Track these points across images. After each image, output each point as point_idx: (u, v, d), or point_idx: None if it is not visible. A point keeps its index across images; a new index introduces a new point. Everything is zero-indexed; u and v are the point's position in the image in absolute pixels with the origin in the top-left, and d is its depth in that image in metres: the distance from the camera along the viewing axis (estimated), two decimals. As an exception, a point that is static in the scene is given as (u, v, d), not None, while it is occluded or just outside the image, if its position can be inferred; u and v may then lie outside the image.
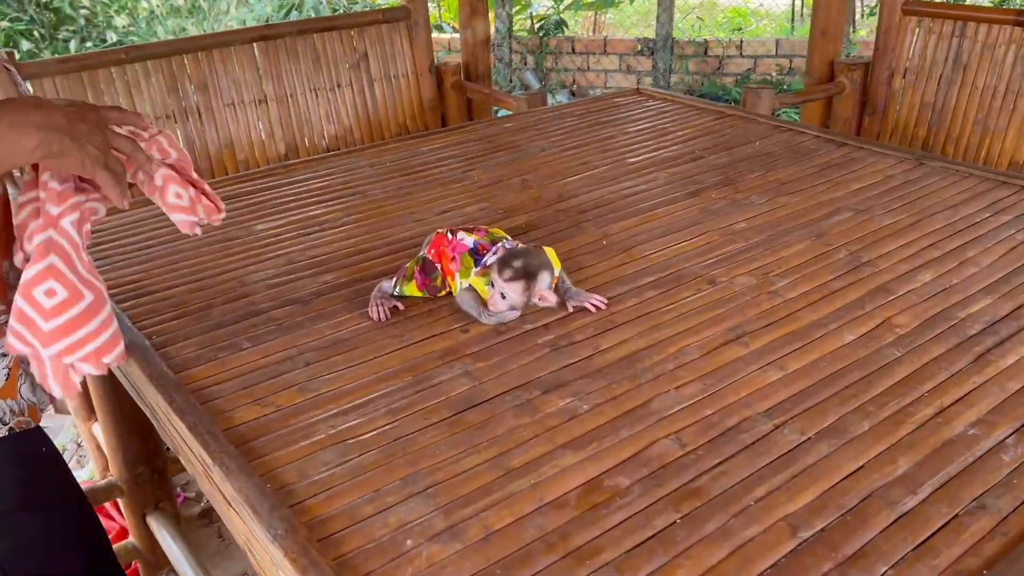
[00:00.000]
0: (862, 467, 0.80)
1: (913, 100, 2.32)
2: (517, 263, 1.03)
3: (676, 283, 1.15)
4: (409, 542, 0.73)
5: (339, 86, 2.46)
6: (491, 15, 5.62)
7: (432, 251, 1.11)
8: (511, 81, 5.60)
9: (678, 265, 1.20)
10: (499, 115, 2.70)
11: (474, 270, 1.07)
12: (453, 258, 1.09)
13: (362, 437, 0.86)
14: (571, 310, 1.08)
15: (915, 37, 2.30)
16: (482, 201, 1.46)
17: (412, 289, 1.11)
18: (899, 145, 2.34)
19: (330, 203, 1.47)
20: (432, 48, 2.59)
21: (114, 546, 1.42)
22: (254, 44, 2.32)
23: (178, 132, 2.21)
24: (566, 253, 1.25)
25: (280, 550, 0.71)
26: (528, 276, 1.03)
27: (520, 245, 1.09)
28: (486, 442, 0.85)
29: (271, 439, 0.86)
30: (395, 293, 1.11)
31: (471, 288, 1.07)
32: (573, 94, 5.61)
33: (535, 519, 0.75)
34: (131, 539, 1.64)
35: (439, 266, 1.10)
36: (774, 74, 4.94)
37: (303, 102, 2.40)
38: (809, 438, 0.84)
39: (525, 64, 5.64)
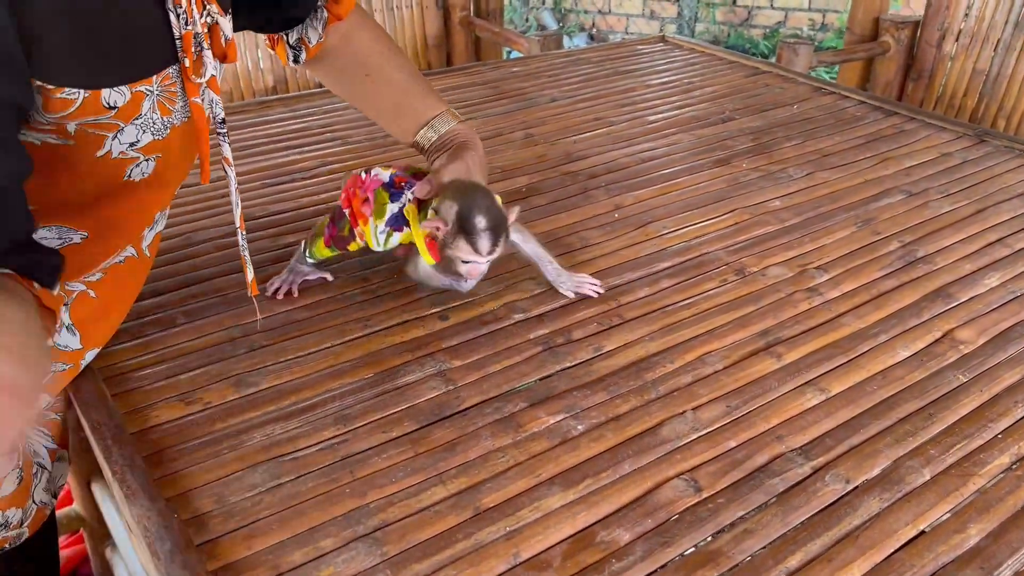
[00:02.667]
0: (923, 533, 0.64)
1: (965, 66, 2.10)
2: (483, 222, 0.78)
3: (698, 271, 0.98)
4: (343, 608, 0.57)
5: (336, 15, 2.25)
6: (511, -51, 5.33)
7: (343, 196, 0.89)
8: (527, 21, 5.34)
9: (700, 249, 1.03)
10: (511, 57, 2.50)
11: (392, 207, 0.84)
12: (366, 199, 0.85)
13: (303, 453, 0.70)
14: (572, 297, 0.91)
15: (974, -5, 2.07)
16: (479, 157, 1.27)
17: (320, 248, 0.90)
18: (945, 115, 2.14)
19: (304, 149, 1.29)
20: (441, -22, 2.37)
21: (58, 512, 1.29)
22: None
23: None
24: (572, 226, 1.08)
25: (174, 612, 0.55)
26: (497, 236, 0.80)
27: (451, 179, 0.85)
28: (454, 469, 0.69)
29: (191, 448, 0.70)
30: (307, 257, 0.91)
31: (417, 254, 0.85)
32: (592, 38, 5.35)
33: (506, 584, 0.59)
34: (75, 506, 1.49)
35: (347, 212, 0.87)
36: (805, 28, 4.67)
37: (296, 31, 2.19)
38: (856, 487, 0.68)
39: (543, 3, 5.37)
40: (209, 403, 0.75)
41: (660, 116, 1.45)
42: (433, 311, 0.89)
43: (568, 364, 0.82)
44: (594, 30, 5.28)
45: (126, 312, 0.83)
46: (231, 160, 0.79)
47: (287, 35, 0.91)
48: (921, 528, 0.64)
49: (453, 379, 0.79)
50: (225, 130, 0.77)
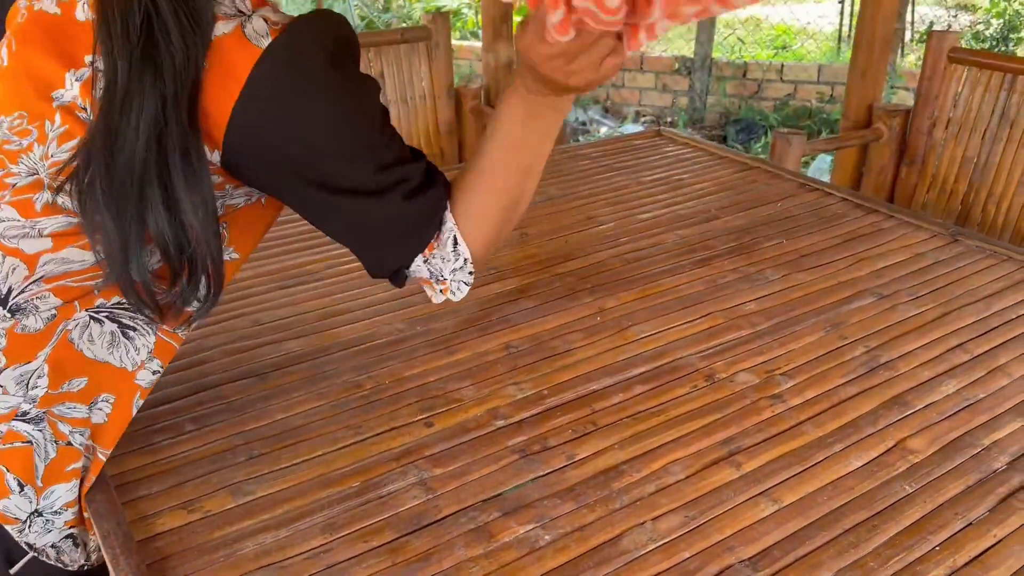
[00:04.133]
0: (855, 646, 0.69)
1: (955, 153, 2.18)
2: None
3: (670, 376, 1.05)
4: None
5: (352, 106, 2.37)
6: (527, 26, 5.52)
7: None
8: (544, 94, 5.48)
9: (674, 353, 1.10)
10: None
11: None
12: None
13: (289, 562, 0.77)
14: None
15: (961, 87, 2.16)
16: (474, 259, 1.36)
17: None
18: (937, 200, 2.21)
19: (313, 251, 1.38)
20: (452, 71, 2.50)
21: None
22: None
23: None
24: (556, 330, 1.15)
25: None
26: None
27: None
28: (428, 579, 0.75)
29: (189, 554, 0.77)
30: None
31: None
32: (607, 110, 5.50)
33: None
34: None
35: None
36: (814, 101, 4.78)
37: (313, 122, 2.32)
38: (797, 599, 0.74)
39: (559, 77, 5.53)
40: (209, 511, 0.83)
41: (649, 215, 1.54)
42: (420, 417, 0.96)
43: (542, 472, 0.88)
44: (608, 102, 5.43)
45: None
46: None
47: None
48: (854, 641, 0.70)
49: (433, 488, 0.86)
50: None
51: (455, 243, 0.89)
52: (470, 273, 0.92)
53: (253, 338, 1.13)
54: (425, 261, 0.89)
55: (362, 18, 5.08)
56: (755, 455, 0.91)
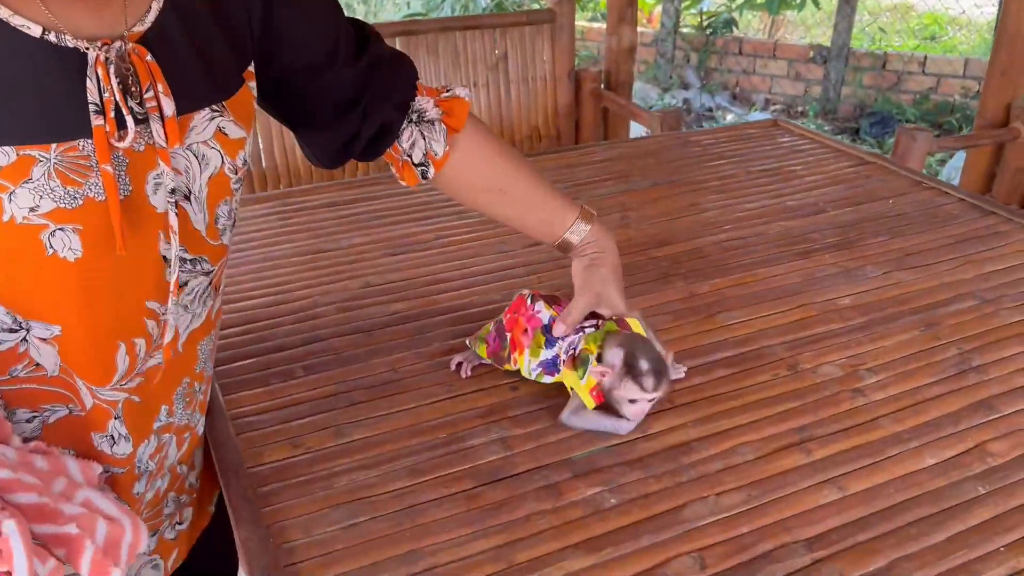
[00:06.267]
0: (900, 631, 0.72)
1: (1098, 157, 2.06)
2: (646, 364, 0.89)
3: (753, 363, 1.07)
4: (389, 630, 0.71)
5: (475, 85, 2.46)
6: (658, 9, 5.48)
7: (508, 315, 1.02)
8: (671, 78, 5.45)
9: (760, 341, 1.12)
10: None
11: (547, 353, 0.96)
12: (525, 330, 0.99)
13: (376, 498, 0.85)
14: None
15: (1110, 87, 2.03)
16: (574, 238, 1.41)
17: (483, 351, 1.03)
18: (1073, 206, 2.10)
19: (424, 222, 1.47)
20: (574, 54, 2.55)
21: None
22: (396, 38, 2.34)
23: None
24: (644, 311, 1.19)
25: (260, 617, 0.71)
26: (661, 375, 0.90)
27: (601, 323, 0.97)
28: (499, 526, 0.82)
29: (291, 485, 0.87)
30: (474, 351, 1.04)
31: (578, 403, 0.94)
32: (735, 97, 5.40)
33: (522, 628, 0.72)
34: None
35: (509, 335, 1.00)
36: (956, 96, 4.54)
37: (437, 99, 2.42)
38: (848, 582, 0.76)
39: (687, 62, 5.47)
40: (311, 448, 0.92)
41: (754, 204, 1.54)
42: (505, 381, 1.03)
43: (615, 442, 0.93)
44: (737, 89, 5.33)
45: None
46: (175, 228, 0.71)
47: (411, 156, 0.96)
48: (900, 625, 0.72)
49: (512, 446, 0.93)
50: (174, 200, 0.70)
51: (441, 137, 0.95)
52: (423, 176, 0.97)
53: (363, 299, 1.22)
54: (410, 122, 0.95)
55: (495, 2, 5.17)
56: (827, 444, 0.93)
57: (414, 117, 0.95)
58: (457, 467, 0.89)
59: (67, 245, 0.65)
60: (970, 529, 0.82)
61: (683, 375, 1.03)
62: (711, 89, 5.33)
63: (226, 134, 0.74)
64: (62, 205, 0.63)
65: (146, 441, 0.79)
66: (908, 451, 0.92)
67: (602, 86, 2.58)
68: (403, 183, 0.98)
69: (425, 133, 0.95)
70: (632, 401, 0.90)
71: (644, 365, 0.89)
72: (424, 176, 0.97)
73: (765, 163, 1.75)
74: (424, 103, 0.96)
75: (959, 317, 1.17)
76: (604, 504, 0.85)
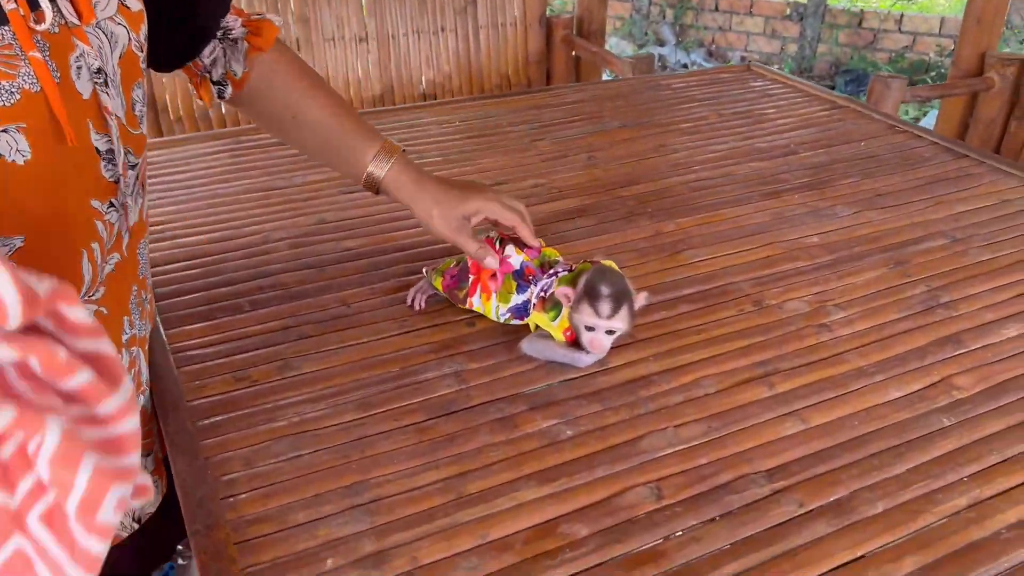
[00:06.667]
0: (859, 559, 0.69)
1: (1071, 107, 2.04)
2: (607, 289, 0.85)
3: (718, 299, 1.04)
4: (330, 562, 0.68)
5: (443, 30, 2.39)
6: (635, -37, 5.38)
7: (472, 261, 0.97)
8: (646, 34, 5.38)
9: (726, 278, 1.09)
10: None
11: (518, 298, 0.93)
12: (494, 275, 0.95)
13: (323, 431, 0.81)
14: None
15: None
16: (538, 176, 1.37)
17: (438, 283, 0.99)
18: (1045, 156, 2.09)
19: (383, 160, 1.41)
20: (545, -1, 2.48)
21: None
22: (361, -21, 2.27)
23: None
24: (608, 248, 1.16)
25: (193, 547, 0.67)
26: (620, 304, 0.86)
27: (576, 266, 0.93)
28: (450, 457, 0.79)
29: (233, 418, 0.83)
30: (430, 282, 1.01)
31: (541, 332, 0.92)
32: (711, 54, 5.35)
33: (469, 558, 0.69)
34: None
35: (472, 277, 0.96)
36: (931, 55, 4.52)
37: (404, 44, 2.35)
38: (808, 512, 0.74)
39: (663, 17, 5.40)
40: (256, 381, 0.88)
41: (724, 146, 1.51)
42: (461, 318, 0.99)
43: (573, 375, 0.90)
44: (713, 46, 5.27)
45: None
46: (110, 109, 0.67)
47: (210, 73, 0.91)
48: (859, 554, 0.70)
49: (466, 379, 0.89)
50: (103, 79, 0.66)
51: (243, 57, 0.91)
52: (220, 95, 0.92)
53: (316, 235, 1.17)
54: (215, 39, 0.90)
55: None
56: (790, 377, 0.90)
57: (219, 34, 0.90)
58: (408, 400, 0.86)
59: (13, 147, 0.60)
60: (933, 460, 0.80)
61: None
62: (687, 46, 5.27)
63: (128, 7, 0.70)
64: (2, 103, 0.59)
65: (119, 356, 0.74)
66: (873, 384, 0.90)
67: (574, 33, 2.52)
68: (200, 101, 0.93)
69: (228, 51, 0.91)
70: (589, 328, 0.87)
71: (603, 290, 0.85)
72: (221, 96, 0.92)
73: (737, 106, 1.71)
74: (231, 21, 0.90)
75: (928, 255, 1.15)
76: (560, 436, 0.82)
